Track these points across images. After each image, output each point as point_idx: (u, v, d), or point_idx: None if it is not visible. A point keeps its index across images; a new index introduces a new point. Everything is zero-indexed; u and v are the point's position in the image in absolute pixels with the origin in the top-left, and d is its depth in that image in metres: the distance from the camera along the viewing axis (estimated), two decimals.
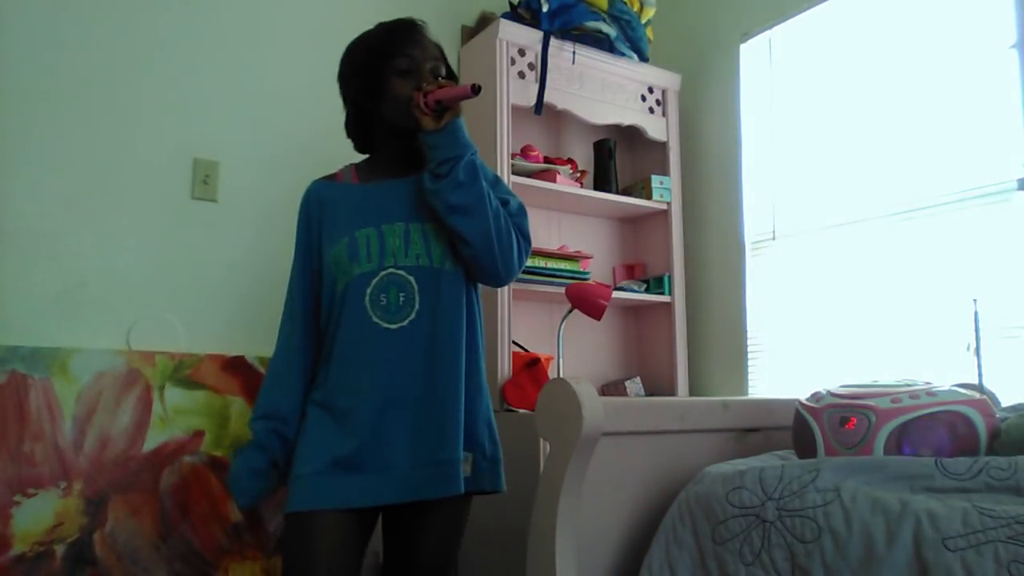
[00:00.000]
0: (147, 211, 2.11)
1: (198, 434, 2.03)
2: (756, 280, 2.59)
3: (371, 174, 1.57)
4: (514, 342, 2.35)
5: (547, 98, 2.44)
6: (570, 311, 2.23)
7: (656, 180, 2.70)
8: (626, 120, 2.66)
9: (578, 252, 2.54)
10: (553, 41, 2.47)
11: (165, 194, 2.15)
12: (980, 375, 1.47)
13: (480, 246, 1.43)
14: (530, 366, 2.28)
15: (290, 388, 1.51)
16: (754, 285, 2.59)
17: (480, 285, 1.56)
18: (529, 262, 2.37)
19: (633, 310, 2.85)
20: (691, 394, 2.66)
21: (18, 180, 1.96)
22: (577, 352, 2.64)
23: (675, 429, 1.37)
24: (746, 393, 2.55)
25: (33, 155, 1.99)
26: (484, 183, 1.44)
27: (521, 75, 2.45)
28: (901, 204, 2.18)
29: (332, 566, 1.37)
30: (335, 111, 1.62)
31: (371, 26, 1.58)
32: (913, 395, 1.19)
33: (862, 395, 1.22)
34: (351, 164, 1.60)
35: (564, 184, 2.53)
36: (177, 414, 2.02)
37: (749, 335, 2.57)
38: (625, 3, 2.61)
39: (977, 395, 1.21)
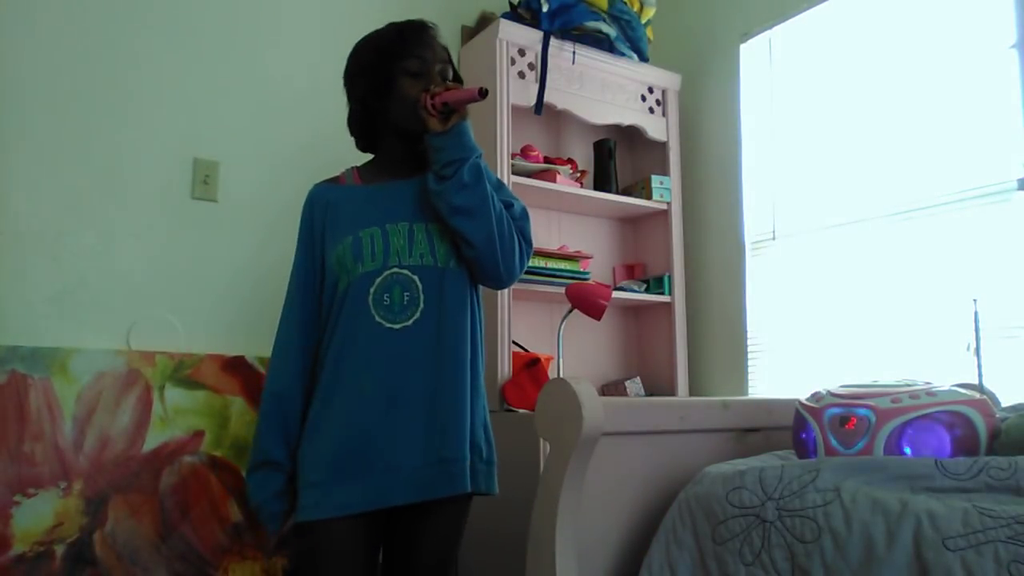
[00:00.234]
0: (147, 211, 2.11)
1: (198, 434, 2.03)
2: (756, 280, 2.59)
3: (374, 175, 1.57)
4: (514, 342, 2.35)
5: (547, 98, 2.44)
6: (570, 311, 2.23)
7: (656, 180, 2.70)
8: (626, 120, 2.66)
9: (578, 252, 2.54)
10: (553, 41, 2.47)
11: (165, 194, 2.15)
12: (980, 375, 1.46)
13: (483, 248, 1.44)
14: (530, 366, 2.28)
15: (293, 393, 1.50)
16: (754, 285, 2.59)
17: (480, 286, 1.56)
18: (529, 262, 2.38)
19: (633, 310, 2.85)
20: (691, 394, 2.65)
21: (18, 180, 1.96)
22: (577, 352, 2.64)
23: (675, 429, 1.37)
24: (746, 393, 2.55)
25: (33, 155, 1.99)
26: (488, 186, 1.45)
27: (521, 75, 2.45)
28: (901, 204, 2.18)
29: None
30: (336, 111, 1.62)
31: (373, 26, 1.58)
32: (913, 395, 1.19)
33: (862, 395, 1.22)
34: (352, 167, 1.60)
35: (564, 184, 2.53)
36: (177, 414, 2.02)
37: (749, 335, 2.57)
38: (625, 3, 2.61)
39: (977, 395, 1.21)
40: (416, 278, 1.45)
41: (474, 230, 1.43)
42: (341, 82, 1.58)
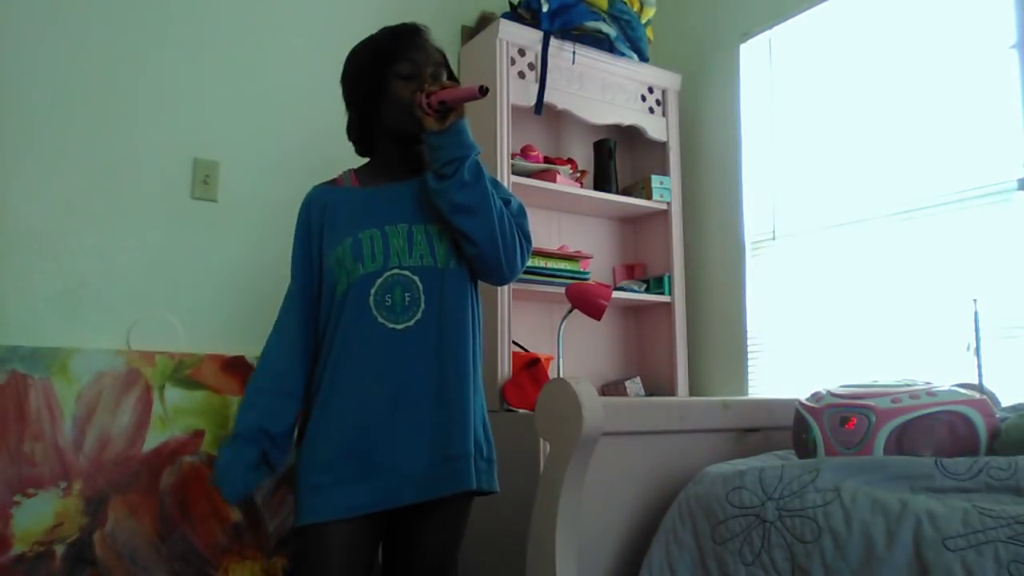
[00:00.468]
0: (147, 211, 2.11)
1: (198, 434, 2.03)
2: (756, 280, 2.59)
3: (372, 178, 1.57)
4: (514, 342, 2.35)
5: (547, 98, 2.44)
6: (570, 311, 2.23)
7: (656, 180, 2.70)
8: (626, 120, 2.66)
9: (578, 252, 2.54)
10: (553, 41, 2.47)
11: (165, 194, 2.15)
12: (980, 375, 1.46)
13: (485, 245, 1.44)
14: (530, 366, 2.28)
15: (285, 384, 1.50)
16: (754, 285, 2.59)
17: (479, 284, 1.57)
18: (529, 262, 2.38)
19: (633, 310, 2.85)
20: (691, 394, 2.65)
21: (18, 180, 1.96)
22: (577, 352, 2.64)
23: (675, 429, 1.37)
24: (746, 393, 2.55)
25: (33, 155, 1.99)
26: (488, 183, 1.45)
27: (521, 75, 2.45)
28: (901, 204, 2.18)
29: None
30: (336, 112, 1.62)
31: (372, 26, 1.59)
32: (913, 395, 1.19)
33: (862, 395, 1.22)
34: (350, 169, 1.61)
35: (564, 184, 2.53)
36: (177, 414, 2.02)
37: (749, 335, 2.57)
38: (625, 3, 2.61)
39: (977, 395, 1.21)
40: (416, 279, 1.46)
41: (476, 227, 1.43)
42: (340, 82, 1.59)
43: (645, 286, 2.71)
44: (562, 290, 2.31)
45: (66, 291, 1.99)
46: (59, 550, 1.83)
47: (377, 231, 1.47)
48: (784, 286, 2.49)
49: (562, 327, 2.29)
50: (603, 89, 2.61)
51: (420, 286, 1.45)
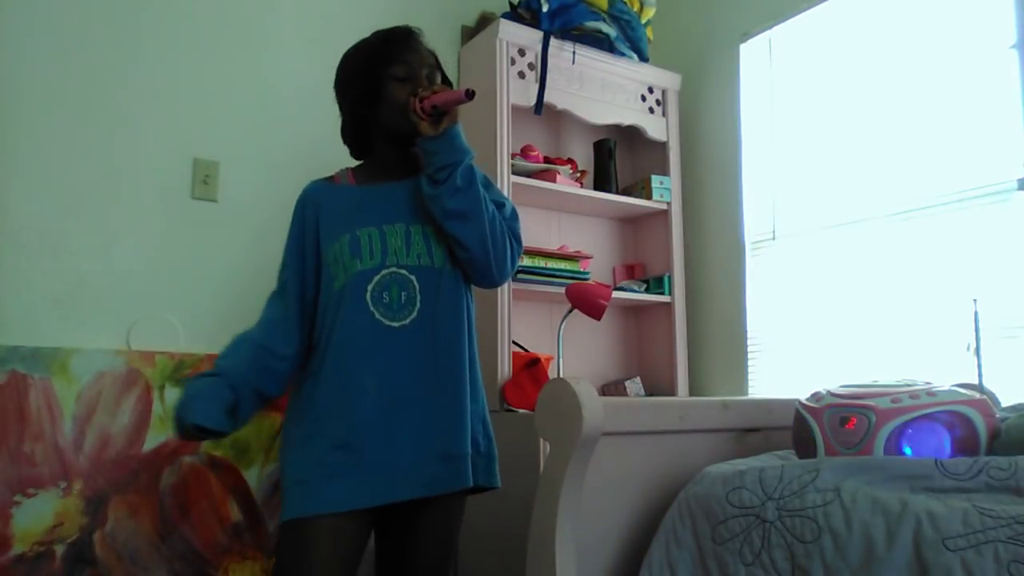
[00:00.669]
0: (147, 211, 2.11)
1: None
2: (756, 280, 2.59)
3: (368, 178, 1.58)
4: (514, 342, 2.35)
5: (547, 98, 2.44)
6: (570, 311, 2.23)
7: (656, 180, 2.70)
8: (626, 120, 2.66)
9: (578, 252, 2.54)
10: (553, 41, 2.47)
11: (165, 194, 2.15)
12: (980, 375, 1.47)
13: (477, 250, 1.46)
14: (530, 366, 2.28)
15: (282, 351, 1.48)
16: (754, 285, 2.59)
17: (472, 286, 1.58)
18: (529, 262, 2.39)
19: (633, 310, 2.85)
20: (691, 394, 2.65)
21: (18, 180, 1.96)
22: (577, 352, 2.64)
23: (675, 429, 1.37)
24: (746, 393, 2.55)
25: (33, 155, 1.99)
26: (481, 188, 1.46)
27: (521, 75, 2.45)
28: (901, 204, 2.18)
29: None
30: (335, 112, 1.62)
31: (373, 27, 1.60)
32: (913, 395, 1.19)
33: (862, 395, 1.22)
34: (347, 168, 1.62)
35: (564, 184, 2.53)
36: None
37: (749, 335, 2.57)
38: (625, 3, 2.61)
39: (977, 395, 1.21)
40: (414, 278, 1.46)
41: (468, 233, 1.45)
42: (334, 85, 1.59)
43: (645, 286, 2.71)
44: (562, 290, 2.31)
45: (66, 291, 1.99)
46: (59, 550, 1.83)
47: (375, 229, 1.47)
48: (784, 286, 2.49)
49: (562, 327, 2.29)
50: (603, 89, 2.61)
51: (417, 285, 1.46)
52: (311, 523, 1.37)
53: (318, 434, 1.43)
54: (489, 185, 1.56)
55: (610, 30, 2.56)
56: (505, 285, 2.29)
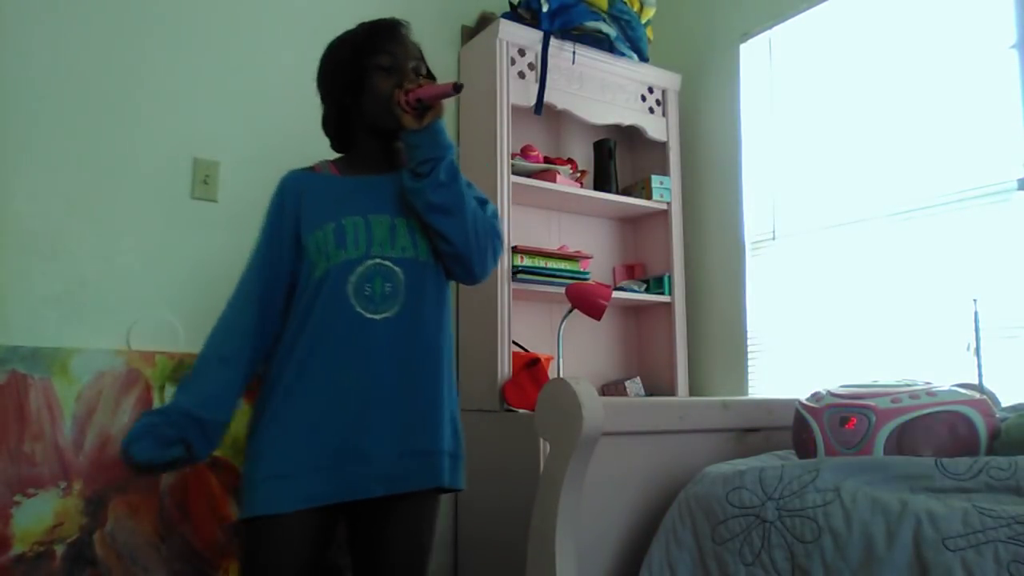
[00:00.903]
0: (147, 211, 2.11)
1: None
2: (756, 280, 2.59)
3: (351, 169, 1.57)
4: (514, 342, 2.35)
5: (547, 98, 2.44)
6: (570, 311, 2.23)
7: (656, 180, 2.70)
8: (626, 120, 2.66)
9: (578, 252, 2.54)
10: (553, 41, 2.47)
11: (165, 194, 2.14)
12: (980, 375, 1.47)
13: (459, 244, 1.45)
14: (530, 366, 2.28)
15: (230, 372, 1.44)
16: (754, 285, 2.59)
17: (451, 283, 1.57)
18: (529, 262, 2.39)
19: (633, 310, 2.85)
20: (691, 394, 2.66)
21: (18, 180, 1.96)
22: (577, 352, 2.64)
23: (675, 429, 1.37)
24: (746, 393, 2.55)
25: (33, 155, 1.98)
26: (463, 184, 1.46)
27: (521, 75, 2.45)
28: (901, 204, 2.18)
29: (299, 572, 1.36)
30: None
31: None
32: (913, 395, 1.19)
33: (862, 395, 1.22)
34: (327, 160, 1.61)
35: (564, 184, 2.53)
36: None
37: (749, 335, 2.57)
38: (625, 3, 2.61)
39: (977, 395, 1.21)
40: (399, 270, 1.45)
41: (451, 227, 1.44)
42: (317, 76, 1.59)
43: (645, 286, 2.71)
44: (562, 290, 2.32)
45: (66, 291, 1.99)
46: (59, 550, 1.83)
47: (360, 219, 1.46)
48: (784, 286, 2.49)
49: (562, 327, 2.29)
50: (603, 89, 2.61)
51: (402, 277, 1.45)
52: (283, 519, 1.35)
53: (293, 427, 1.39)
54: (469, 185, 1.55)
55: (610, 30, 2.56)
56: (505, 285, 2.29)
